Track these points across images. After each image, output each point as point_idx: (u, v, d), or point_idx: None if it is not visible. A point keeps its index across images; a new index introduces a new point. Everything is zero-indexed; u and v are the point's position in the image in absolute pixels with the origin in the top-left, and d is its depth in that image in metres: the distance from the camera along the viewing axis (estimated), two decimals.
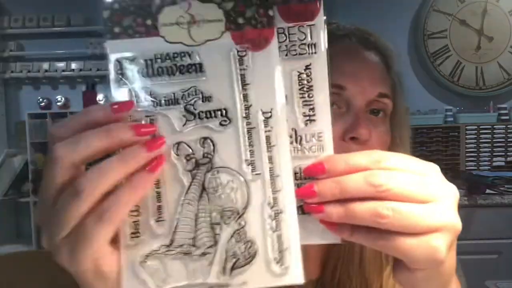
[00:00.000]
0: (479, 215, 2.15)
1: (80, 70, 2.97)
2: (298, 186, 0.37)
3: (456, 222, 0.35)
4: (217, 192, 0.36)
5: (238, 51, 0.36)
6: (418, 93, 2.83)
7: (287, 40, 0.37)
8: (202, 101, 0.36)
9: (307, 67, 0.36)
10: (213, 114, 0.36)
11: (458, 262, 0.39)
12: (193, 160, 0.36)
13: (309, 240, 0.37)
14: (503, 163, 2.69)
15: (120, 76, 0.36)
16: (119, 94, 0.36)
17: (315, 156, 0.37)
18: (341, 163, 0.35)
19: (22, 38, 2.99)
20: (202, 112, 0.36)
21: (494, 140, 2.69)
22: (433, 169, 0.36)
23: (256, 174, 0.36)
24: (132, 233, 0.35)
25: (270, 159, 0.36)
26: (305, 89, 0.37)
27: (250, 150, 0.36)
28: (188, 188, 0.36)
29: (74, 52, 2.95)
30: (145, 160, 0.34)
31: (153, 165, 0.34)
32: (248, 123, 0.36)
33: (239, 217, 0.36)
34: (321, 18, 0.36)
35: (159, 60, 0.36)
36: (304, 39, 0.36)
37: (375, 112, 0.58)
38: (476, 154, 2.70)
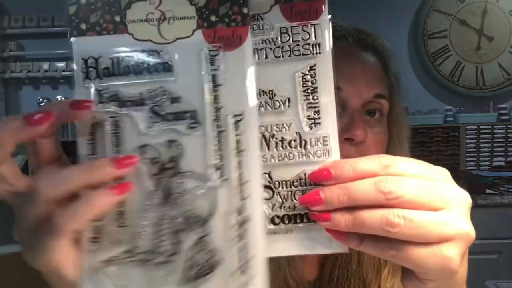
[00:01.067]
0: (479, 215, 2.15)
1: None
2: (302, 192, 0.35)
3: (469, 230, 0.33)
4: (182, 197, 0.34)
5: (209, 51, 0.34)
6: (418, 93, 2.83)
7: (290, 40, 0.35)
8: (170, 102, 0.34)
9: (311, 68, 0.35)
10: (181, 116, 0.34)
11: None
12: (159, 163, 0.34)
13: (314, 249, 0.36)
14: (503, 163, 2.68)
15: (85, 75, 0.34)
16: (83, 94, 0.34)
17: (321, 161, 0.35)
18: (348, 168, 0.33)
19: (22, 38, 2.98)
20: (170, 113, 0.34)
21: (494, 140, 2.68)
22: (443, 173, 0.35)
23: (224, 179, 0.34)
24: (93, 237, 0.34)
25: (240, 164, 0.34)
26: (309, 91, 0.35)
27: (219, 155, 0.34)
28: (153, 193, 0.34)
29: None
30: (110, 176, 0.33)
31: (121, 187, 0.33)
32: (218, 126, 0.34)
33: (204, 224, 0.34)
34: (325, 16, 0.35)
35: (126, 59, 0.34)
36: (308, 38, 0.35)
37: (371, 113, 0.58)
38: (476, 154, 2.70)
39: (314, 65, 0.35)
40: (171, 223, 0.34)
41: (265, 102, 0.35)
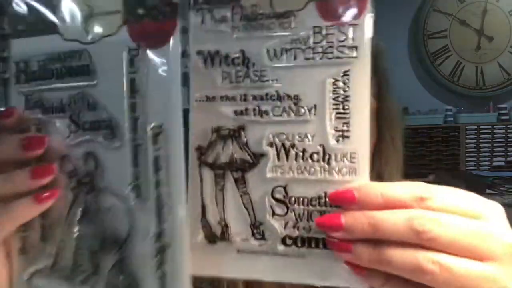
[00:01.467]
0: None
1: None
2: (321, 213, 0.31)
3: None
4: (99, 216, 0.32)
5: (130, 50, 0.30)
6: (418, 93, 2.83)
7: (324, 41, 0.31)
8: (88, 109, 0.31)
9: (345, 74, 0.30)
10: (98, 126, 0.31)
11: None
12: (76, 177, 0.32)
13: (328, 281, 0.31)
14: (503, 163, 2.68)
15: (16, 79, 0.33)
16: (15, 99, 0.33)
17: (346, 181, 0.30)
18: (377, 194, 0.28)
19: None
20: (87, 122, 0.31)
21: (494, 140, 2.68)
22: (495, 211, 0.28)
23: (141, 200, 0.31)
24: (20, 248, 0.33)
25: (158, 184, 0.31)
26: (340, 99, 0.30)
27: (135, 172, 0.31)
28: (70, 208, 0.32)
29: None
30: (28, 187, 0.31)
31: (42, 197, 0.31)
32: (135, 139, 0.31)
33: (121, 247, 0.32)
34: (367, 17, 0.30)
35: (51, 62, 0.32)
36: (344, 40, 0.30)
37: None
38: (476, 154, 2.70)
39: (349, 70, 0.30)
40: (89, 241, 0.32)
41: (289, 107, 0.31)
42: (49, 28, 0.32)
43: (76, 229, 0.32)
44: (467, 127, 2.69)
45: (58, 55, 0.32)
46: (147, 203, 0.31)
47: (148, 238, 0.31)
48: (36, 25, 0.32)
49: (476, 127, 2.68)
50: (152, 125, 0.30)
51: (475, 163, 2.71)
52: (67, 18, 0.32)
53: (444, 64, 2.87)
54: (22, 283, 0.33)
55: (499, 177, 2.39)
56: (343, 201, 0.29)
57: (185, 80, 0.31)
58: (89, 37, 0.31)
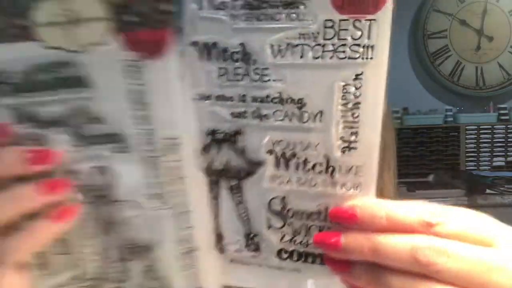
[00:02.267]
0: None
1: None
2: (320, 229, 0.29)
3: None
4: (122, 227, 0.32)
5: (129, 61, 0.28)
6: (418, 93, 2.83)
7: (336, 37, 0.27)
8: (93, 123, 0.30)
9: (357, 77, 0.27)
10: (106, 139, 0.30)
11: None
12: (92, 191, 0.31)
13: None
14: (503, 163, 2.68)
15: None
16: None
17: (349, 196, 0.28)
18: (381, 215, 0.26)
19: None
20: (93, 136, 0.30)
21: (494, 140, 2.68)
22: (508, 236, 0.26)
23: (166, 208, 0.31)
24: (39, 264, 0.32)
25: (182, 192, 0.31)
26: (349, 106, 0.27)
27: (157, 182, 0.30)
28: (92, 221, 0.32)
29: None
30: (37, 204, 0.29)
31: (59, 214, 0.29)
32: (152, 151, 0.30)
33: (150, 253, 0.32)
34: (386, 11, 0.27)
35: (38, 72, 0.29)
36: (359, 38, 0.27)
37: None
38: (476, 154, 2.70)
39: (362, 73, 0.27)
40: (116, 251, 0.32)
41: (292, 112, 0.28)
42: (25, 34, 0.29)
43: (101, 240, 0.32)
44: (467, 127, 2.69)
45: (46, 65, 0.29)
46: (171, 210, 0.31)
47: (176, 242, 0.32)
48: (6, 30, 0.29)
49: (476, 127, 2.68)
50: (168, 137, 0.30)
51: (475, 163, 2.70)
52: (46, 24, 0.29)
53: (444, 64, 2.86)
54: None
55: (499, 177, 2.39)
56: (344, 220, 0.28)
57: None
58: (76, 45, 0.29)
